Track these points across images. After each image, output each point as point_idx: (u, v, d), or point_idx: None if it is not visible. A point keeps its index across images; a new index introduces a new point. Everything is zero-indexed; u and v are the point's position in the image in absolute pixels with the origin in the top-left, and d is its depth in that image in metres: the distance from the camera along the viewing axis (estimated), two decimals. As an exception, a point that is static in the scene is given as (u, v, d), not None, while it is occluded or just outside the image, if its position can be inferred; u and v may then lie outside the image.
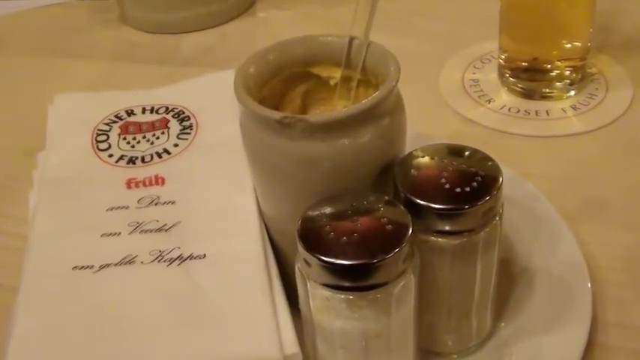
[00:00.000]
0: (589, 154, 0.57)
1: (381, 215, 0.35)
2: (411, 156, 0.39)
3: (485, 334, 0.41)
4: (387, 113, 0.38)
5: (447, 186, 0.37)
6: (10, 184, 0.56)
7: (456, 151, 0.39)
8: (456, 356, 0.41)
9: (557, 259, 0.44)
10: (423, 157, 0.39)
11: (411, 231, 0.34)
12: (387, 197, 0.36)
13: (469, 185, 0.37)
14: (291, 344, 0.37)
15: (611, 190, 0.53)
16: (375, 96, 0.37)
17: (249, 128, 0.39)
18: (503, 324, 0.42)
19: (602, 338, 0.42)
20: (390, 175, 0.38)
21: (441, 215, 0.36)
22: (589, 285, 0.42)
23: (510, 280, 0.44)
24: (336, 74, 0.42)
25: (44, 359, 0.36)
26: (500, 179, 0.37)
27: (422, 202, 0.36)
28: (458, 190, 0.36)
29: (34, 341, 0.37)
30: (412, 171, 0.38)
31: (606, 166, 0.55)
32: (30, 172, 0.49)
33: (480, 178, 0.37)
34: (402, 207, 0.36)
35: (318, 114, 0.43)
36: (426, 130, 0.51)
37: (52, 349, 0.36)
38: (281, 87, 0.42)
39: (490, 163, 0.38)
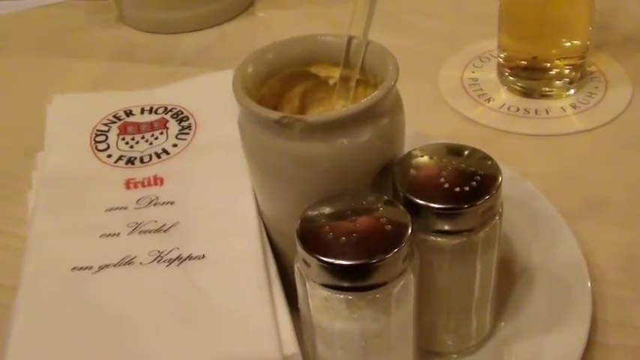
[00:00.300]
0: (588, 152, 0.57)
1: (380, 215, 0.35)
2: (410, 155, 0.39)
3: (484, 333, 0.41)
4: (386, 113, 0.38)
5: (446, 185, 0.37)
6: (10, 184, 0.56)
7: (455, 151, 0.39)
8: (455, 356, 0.41)
9: (557, 259, 0.44)
10: (422, 156, 0.39)
11: (410, 231, 0.34)
12: (386, 197, 0.36)
13: (468, 185, 0.36)
14: (291, 344, 0.36)
15: (611, 189, 0.52)
16: (373, 95, 0.37)
17: (247, 128, 0.39)
18: (502, 323, 0.42)
19: (602, 337, 0.42)
20: (389, 174, 0.38)
21: (441, 215, 0.36)
22: (589, 284, 0.42)
23: (510, 279, 0.44)
24: (334, 74, 0.42)
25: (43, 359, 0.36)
26: (500, 178, 0.37)
27: (421, 202, 0.36)
28: (457, 189, 0.36)
29: (33, 342, 0.37)
30: (411, 171, 0.38)
31: (606, 165, 0.55)
32: (29, 172, 0.49)
33: (479, 177, 0.37)
34: (401, 207, 0.36)
35: (317, 114, 0.43)
36: (426, 129, 0.51)
37: (51, 350, 0.36)
38: (280, 87, 0.42)
39: (489, 163, 0.38)
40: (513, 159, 0.50)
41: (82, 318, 0.37)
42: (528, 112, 0.60)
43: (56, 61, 0.73)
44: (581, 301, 0.41)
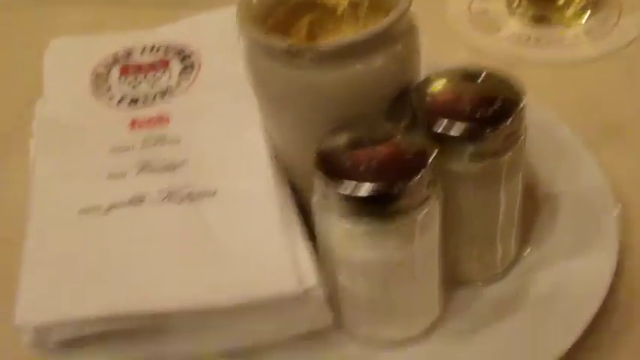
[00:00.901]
0: (604, 79, 0.55)
1: (400, 141, 0.34)
2: (427, 80, 0.37)
3: (509, 261, 0.40)
4: (400, 37, 0.36)
5: (468, 109, 0.35)
6: (11, 135, 0.54)
7: (474, 74, 0.37)
8: (480, 284, 0.40)
9: (581, 184, 0.43)
10: (440, 80, 0.37)
11: (433, 155, 0.33)
12: (404, 123, 0.35)
13: (491, 108, 0.35)
14: (311, 276, 0.35)
15: (629, 114, 0.51)
16: (386, 19, 0.35)
17: (254, 61, 0.37)
18: (529, 249, 0.41)
19: (630, 262, 0.41)
20: (407, 100, 0.36)
21: (463, 140, 0.34)
22: (614, 208, 0.41)
23: (535, 205, 0.43)
24: (343, 1, 0.40)
25: (54, 299, 0.35)
26: (523, 100, 0.35)
27: (443, 127, 0.34)
28: (479, 113, 0.35)
29: (44, 284, 0.36)
30: (430, 96, 0.36)
31: (622, 90, 0.54)
32: (30, 123, 0.47)
33: (501, 100, 0.35)
34: (422, 133, 0.34)
35: (328, 41, 0.41)
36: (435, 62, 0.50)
37: (61, 290, 0.36)
38: (285, 17, 0.40)
39: (511, 84, 0.36)
40: (527, 88, 0.49)
41: (92, 257, 0.37)
42: (540, 41, 0.59)
43: (50, 9, 0.71)
44: (607, 225, 0.40)
